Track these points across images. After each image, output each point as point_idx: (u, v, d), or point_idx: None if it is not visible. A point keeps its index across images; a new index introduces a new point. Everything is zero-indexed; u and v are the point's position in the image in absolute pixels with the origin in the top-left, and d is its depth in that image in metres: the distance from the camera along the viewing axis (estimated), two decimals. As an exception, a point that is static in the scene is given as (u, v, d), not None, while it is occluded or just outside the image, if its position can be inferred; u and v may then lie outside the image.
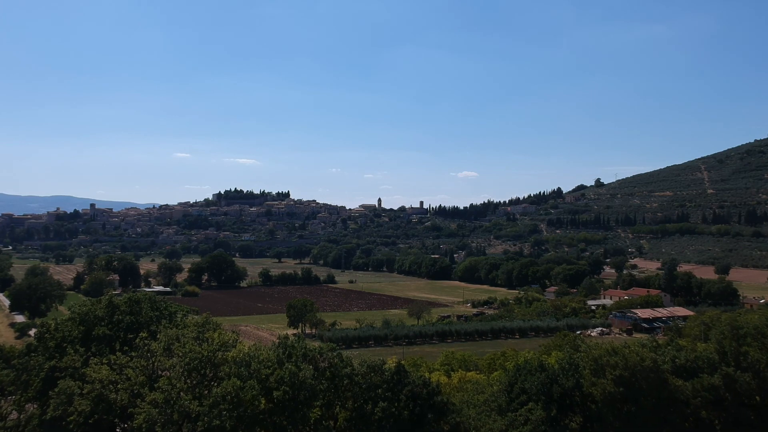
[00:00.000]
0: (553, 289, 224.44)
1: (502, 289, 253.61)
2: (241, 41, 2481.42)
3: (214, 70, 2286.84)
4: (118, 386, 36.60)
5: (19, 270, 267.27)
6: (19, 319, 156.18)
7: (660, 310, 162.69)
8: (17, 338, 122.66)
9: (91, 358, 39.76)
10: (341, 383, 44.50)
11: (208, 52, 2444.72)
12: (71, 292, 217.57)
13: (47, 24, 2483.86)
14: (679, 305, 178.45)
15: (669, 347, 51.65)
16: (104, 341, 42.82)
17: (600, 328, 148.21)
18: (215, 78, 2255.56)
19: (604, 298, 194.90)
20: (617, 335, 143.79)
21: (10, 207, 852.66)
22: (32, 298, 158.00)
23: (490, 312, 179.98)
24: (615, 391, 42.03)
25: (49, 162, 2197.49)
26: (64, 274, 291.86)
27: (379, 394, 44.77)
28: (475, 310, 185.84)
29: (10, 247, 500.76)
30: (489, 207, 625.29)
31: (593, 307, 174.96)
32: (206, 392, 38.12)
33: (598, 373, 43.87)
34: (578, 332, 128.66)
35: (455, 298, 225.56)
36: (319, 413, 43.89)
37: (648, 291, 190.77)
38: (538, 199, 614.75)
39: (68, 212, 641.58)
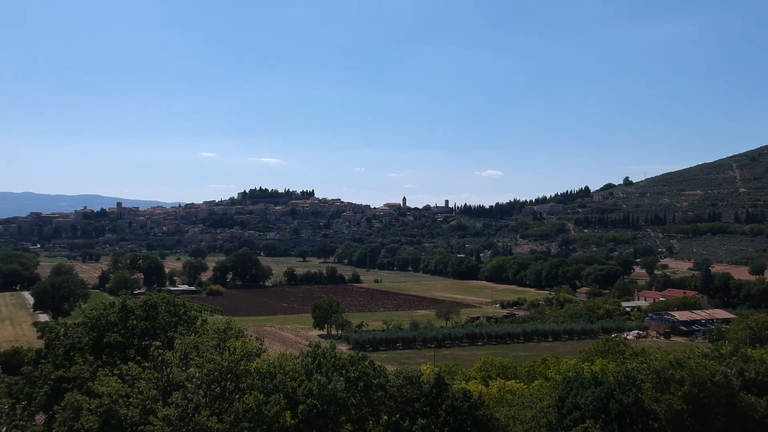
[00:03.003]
0: (584, 289, 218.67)
1: (531, 289, 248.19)
2: (266, 41, 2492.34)
3: (239, 69, 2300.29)
4: (130, 400, 32.95)
5: (45, 268, 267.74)
6: (43, 318, 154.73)
7: (698, 312, 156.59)
8: (39, 338, 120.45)
9: (102, 367, 36.18)
10: (374, 395, 40.59)
11: (234, 52, 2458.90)
12: (96, 290, 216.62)
13: (74, 25, 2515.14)
14: (717, 307, 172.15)
15: (734, 358, 47.03)
16: (116, 349, 39.25)
17: (636, 331, 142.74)
18: (240, 77, 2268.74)
19: (639, 300, 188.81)
20: (654, 338, 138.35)
21: (40, 206, 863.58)
22: (55, 297, 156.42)
23: (521, 313, 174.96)
24: (682, 409, 37.54)
25: (78, 162, 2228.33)
26: (90, 272, 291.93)
27: (417, 408, 40.79)
28: (504, 312, 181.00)
29: (38, 246, 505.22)
30: (515, 206, 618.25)
31: (628, 309, 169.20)
32: (227, 407, 34.44)
33: (662, 388, 39.41)
34: (614, 335, 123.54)
35: (483, 298, 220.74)
36: (350, 429, 40.16)
37: (684, 292, 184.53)
38: (565, 198, 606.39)
39: (95, 211, 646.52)
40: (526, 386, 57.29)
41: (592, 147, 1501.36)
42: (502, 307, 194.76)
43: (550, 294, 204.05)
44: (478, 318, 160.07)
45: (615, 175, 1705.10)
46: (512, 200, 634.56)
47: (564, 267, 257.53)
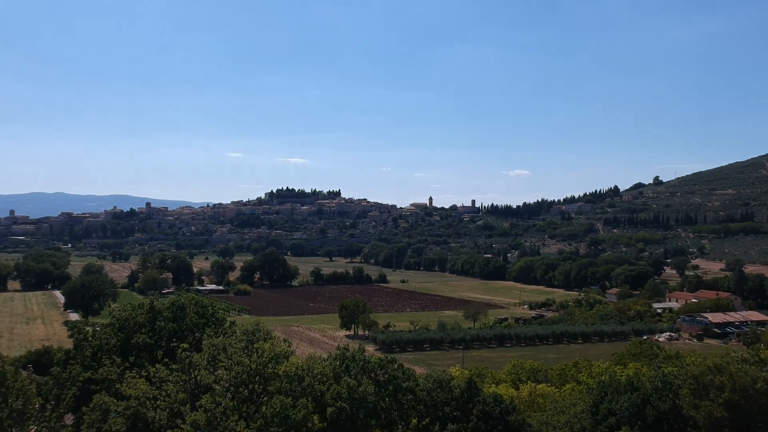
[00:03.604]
0: (614, 290, 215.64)
1: (560, 290, 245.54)
2: (293, 41, 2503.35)
3: (266, 70, 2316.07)
4: (157, 403, 32.66)
5: (76, 268, 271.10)
6: (74, 317, 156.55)
7: (732, 314, 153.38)
8: (69, 337, 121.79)
9: (129, 369, 35.97)
10: (404, 399, 39.89)
11: (260, 53, 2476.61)
12: (125, 290, 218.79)
13: (103, 28, 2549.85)
14: (751, 309, 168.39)
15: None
16: (144, 350, 39.06)
17: (668, 333, 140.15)
18: (267, 78, 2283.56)
19: (670, 301, 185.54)
20: (687, 341, 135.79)
21: (71, 206, 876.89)
22: (85, 297, 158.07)
23: (549, 314, 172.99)
24: (723, 417, 36.25)
25: (108, 162, 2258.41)
26: (119, 272, 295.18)
27: (447, 412, 40.02)
28: (533, 313, 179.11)
29: (69, 245, 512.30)
30: (543, 206, 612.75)
31: (659, 311, 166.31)
32: (254, 411, 34.01)
33: (700, 395, 38.12)
34: (645, 337, 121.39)
35: (511, 299, 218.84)
36: (379, 433, 39.51)
37: (717, 293, 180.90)
38: (594, 198, 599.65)
39: (125, 211, 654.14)
40: (557, 390, 56.23)
41: (622, 146, 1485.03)
42: (531, 308, 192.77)
43: (580, 295, 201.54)
44: (506, 319, 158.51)
45: (645, 174, 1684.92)
46: (540, 200, 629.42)
47: (593, 267, 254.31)
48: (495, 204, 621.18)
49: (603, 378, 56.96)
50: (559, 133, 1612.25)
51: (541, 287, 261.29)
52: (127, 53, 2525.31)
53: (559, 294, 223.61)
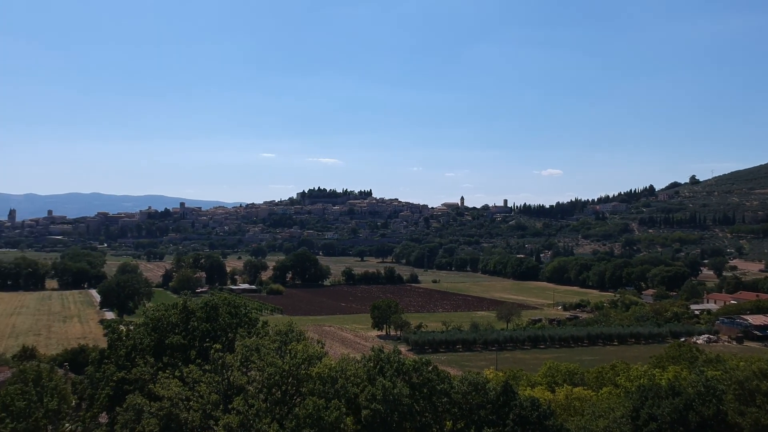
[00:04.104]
0: (650, 291, 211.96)
1: (594, 291, 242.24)
2: (324, 42, 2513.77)
3: (297, 71, 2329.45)
4: (190, 404, 32.46)
5: (112, 267, 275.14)
6: (109, 315, 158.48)
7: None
8: (105, 335, 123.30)
9: (162, 370, 35.88)
10: (439, 402, 39.21)
11: (292, 54, 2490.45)
12: (160, 289, 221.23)
13: (136, 31, 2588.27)
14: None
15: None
16: (178, 350, 38.96)
17: (706, 336, 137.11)
18: (299, 79, 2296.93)
19: (708, 302, 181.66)
20: (726, 343, 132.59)
21: (107, 206, 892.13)
22: (121, 296, 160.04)
23: (584, 316, 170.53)
24: (770, 424, 34.95)
25: (143, 163, 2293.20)
26: (154, 271, 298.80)
27: (482, 416, 39.19)
28: (567, 314, 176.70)
29: (105, 245, 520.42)
30: (576, 205, 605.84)
31: (696, 312, 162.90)
32: (287, 412, 33.63)
33: (746, 401, 36.85)
34: (683, 339, 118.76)
35: (544, 299, 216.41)
36: (413, 436, 38.85)
37: (757, 295, 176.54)
38: (628, 197, 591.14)
39: (159, 211, 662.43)
40: (594, 393, 54.97)
41: (657, 145, 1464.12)
42: (565, 309, 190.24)
43: (615, 296, 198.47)
44: (539, 320, 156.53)
45: (681, 173, 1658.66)
46: (573, 199, 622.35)
47: (628, 268, 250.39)
48: (527, 204, 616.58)
49: (642, 382, 55.58)
50: (593, 131, 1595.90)
51: (575, 288, 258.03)
52: (163, 56, 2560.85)
53: (594, 295, 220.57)
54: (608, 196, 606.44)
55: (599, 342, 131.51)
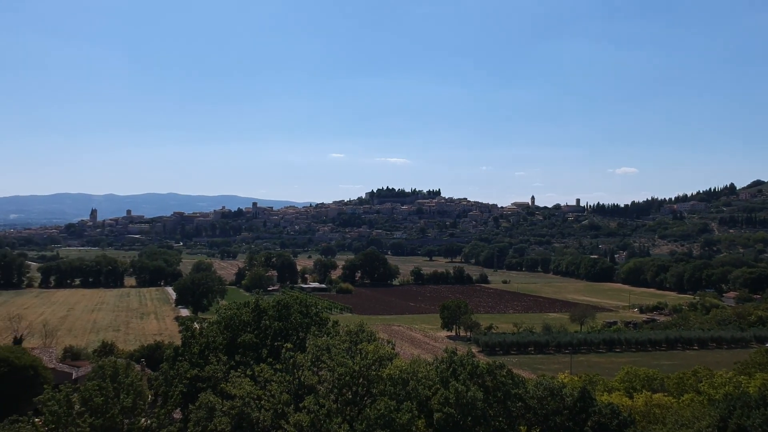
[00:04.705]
0: (732, 294, 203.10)
1: (672, 293, 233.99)
2: (393, 41, 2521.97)
3: (366, 71, 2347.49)
4: (262, 403, 32.39)
5: (187, 265, 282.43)
6: (184, 312, 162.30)
7: None
8: (180, 332, 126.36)
9: (235, 368, 36.01)
10: (513, 406, 38.05)
11: (361, 55, 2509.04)
12: (233, 287, 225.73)
13: (210, 34, 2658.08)
14: None
15: None
16: (250, 349, 39.08)
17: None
18: (368, 79, 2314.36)
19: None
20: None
21: (182, 206, 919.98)
22: (195, 293, 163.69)
23: (662, 319, 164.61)
24: None
25: (217, 164, 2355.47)
26: (227, 269, 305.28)
27: (559, 423, 37.81)
28: (644, 317, 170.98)
29: (181, 243, 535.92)
30: (652, 204, 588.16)
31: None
32: (357, 413, 33.17)
33: None
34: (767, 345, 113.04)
35: (619, 301, 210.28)
36: (486, 441, 37.81)
37: None
38: (707, 196, 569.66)
39: (232, 210, 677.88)
40: (675, 400, 52.53)
41: (738, 141, 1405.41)
42: (641, 311, 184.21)
43: (694, 298, 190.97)
44: (615, 323, 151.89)
45: (764, 171, 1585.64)
46: (649, 198, 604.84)
47: (708, 270, 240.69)
48: (601, 203, 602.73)
49: (728, 389, 52.89)
50: (669, 128, 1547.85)
51: (651, 290, 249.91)
52: (236, 62, 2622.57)
53: (672, 297, 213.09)
54: (686, 195, 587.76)
55: (678, 346, 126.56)
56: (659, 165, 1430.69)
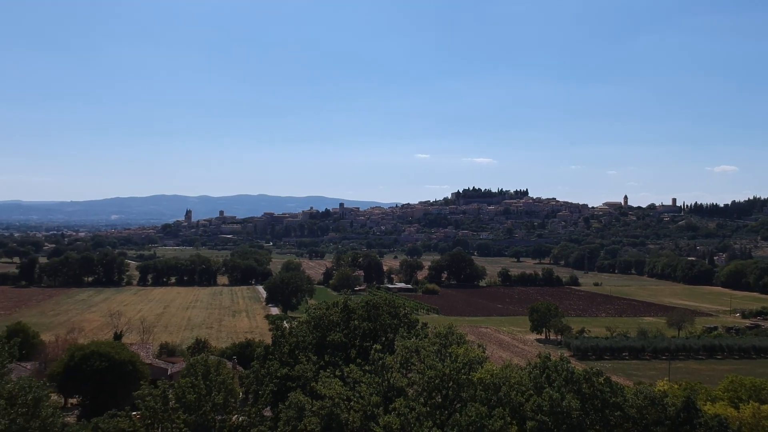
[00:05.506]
0: None
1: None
2: (479, 41, 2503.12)
3: (451, 72, 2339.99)
4: (351, 404, 32.09)
5: (277, 264, 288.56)
6: (274, 311, 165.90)
7: None
8: (270, 330, 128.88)
9: (324, 368, 35.89)
10: (611, 415, 36.30)
11: (446, 55, 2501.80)
12: (321, 286, 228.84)
13: (295, 38, 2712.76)
14: None
15: None
16: (339, 349, 38.94)
17: None
18: (453, 80, 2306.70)
19: None
20: None
21: (272, 206, 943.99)
22: (285, 292, 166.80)
23: (767, 324, 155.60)
24: None
25: (305, 165, 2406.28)
26: (315, 269, 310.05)
27: (661, 434, 35.83)
28: (747, 322, 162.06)
29: (271, 243, 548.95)
30: (754, 204, 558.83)
31: None
32: (447, 417, 32.37)
33: None
34: None
35: (719, 306, 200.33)
36: (582, 451, 36.20)
37: None
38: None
39: (320, 211, 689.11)
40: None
41: None
42: (744, 316, 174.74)
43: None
44: (715, 328, 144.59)
45: None
46: (751, 198, 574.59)
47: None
48: (698, 203, 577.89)
49: None
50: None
51: (754, 294, 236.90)
52: (325, 66, 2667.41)
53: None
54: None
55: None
56: (761, 162, 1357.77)
